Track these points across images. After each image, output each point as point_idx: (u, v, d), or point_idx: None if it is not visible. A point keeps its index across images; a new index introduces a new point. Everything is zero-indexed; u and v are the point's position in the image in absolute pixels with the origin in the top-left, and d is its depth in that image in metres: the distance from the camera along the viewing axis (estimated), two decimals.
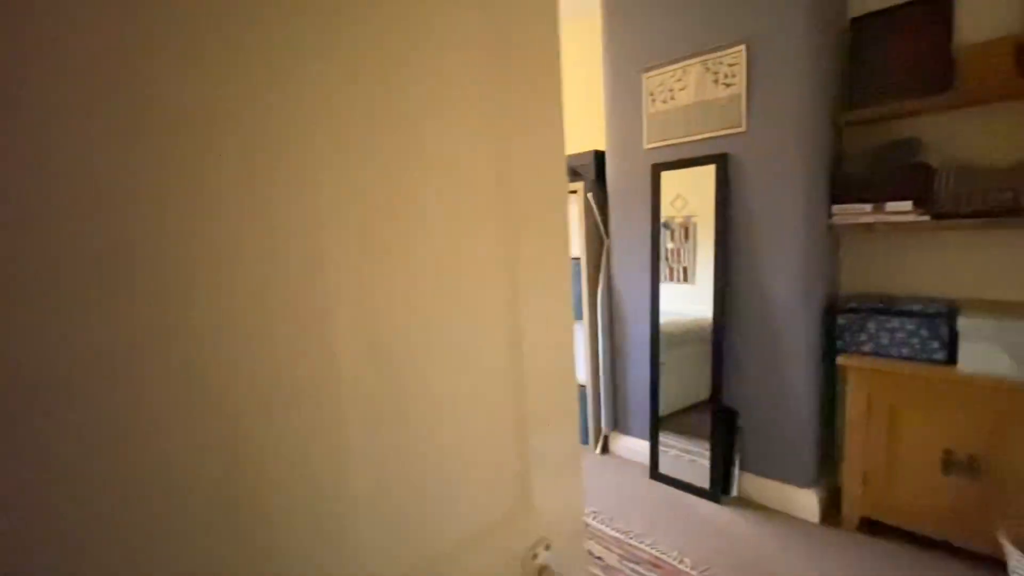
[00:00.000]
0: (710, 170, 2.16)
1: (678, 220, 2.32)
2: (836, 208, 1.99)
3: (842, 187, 1.98)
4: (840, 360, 1.96)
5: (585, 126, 3.04)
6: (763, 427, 2.21)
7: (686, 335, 2.41)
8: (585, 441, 2.91)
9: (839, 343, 1.99)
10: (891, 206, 1.84)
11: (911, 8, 1.84)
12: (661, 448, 2.51)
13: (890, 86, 1.87)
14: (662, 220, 2.35)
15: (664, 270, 2.40)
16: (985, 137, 1.82)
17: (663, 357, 2.58)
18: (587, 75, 2.91)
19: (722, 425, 2.28)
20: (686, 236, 2.31)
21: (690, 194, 2.24)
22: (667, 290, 2.39)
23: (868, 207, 1.89)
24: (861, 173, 1.95)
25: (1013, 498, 1.65)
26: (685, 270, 2.34)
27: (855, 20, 1.96)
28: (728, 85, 2.06)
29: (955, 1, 1.77)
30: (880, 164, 1.92)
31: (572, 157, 2.77)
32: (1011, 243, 1.82)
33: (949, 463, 1.76)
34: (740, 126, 2.05)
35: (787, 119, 1.93)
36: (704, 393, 2.32)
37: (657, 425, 2.52)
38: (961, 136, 1.87)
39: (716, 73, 2.08)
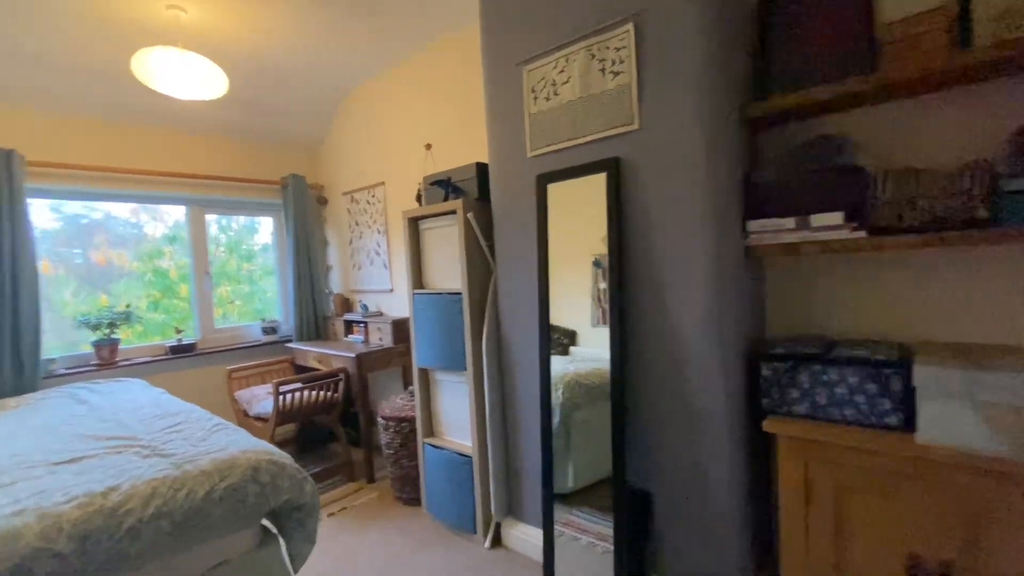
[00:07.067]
0: (601, 181, 1.71)
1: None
2: (753, 224, 1.55)
3: (758, 197, 1.56)
4: (767, 425, 1.46)
5: (478, 138, 2.62)
6: (680, 515, 1.66)
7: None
8: (473, 529, 2.26)
9: (765, 401, 1.50)
10: (817, 219, 1.41)
11: None
12: (569, 535, 1.90)
13: (804, 75, 1.49)
14: (594, 257, 1.87)
15: (597, 312, 1.90)
16: (922, 133, 1.45)
17: (583, 414, 2.02)
18: (477, 81, 2.52)
19: (629, 512, 1.72)
20: None
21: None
22: (601, 334, 1.89)
23: (790, 221, 1.46)
24: (780, 179, 1.53)
25: None
26: (609, 310, 1.86)
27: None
28: (616, 74, 1.65)
29: None
30: (801, 166, 1.52)
31: (452, 171, 2.31)
32: (970, 265, 1.41)
33: (917, 574, 1.25)
34: (632, 123, 1.63)
35: (685, 113, 1.52)
36: None
37: (552, 507, 1.92)
38: (894, 133, 1.49)
39: (603, 60, 1.68)
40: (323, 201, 4.19)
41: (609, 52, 1.66)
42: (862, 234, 1.36)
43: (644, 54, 1.58)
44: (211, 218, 3.78)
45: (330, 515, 2.60)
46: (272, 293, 4.17)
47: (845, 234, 1.38)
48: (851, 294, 1.62)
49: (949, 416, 1.20)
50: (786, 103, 1.50)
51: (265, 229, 4.17)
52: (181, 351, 3.36)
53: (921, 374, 1.22)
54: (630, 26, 1.59)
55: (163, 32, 2.53)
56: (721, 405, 1.53)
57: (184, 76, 2.38)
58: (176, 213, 3.62)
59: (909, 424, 1.27)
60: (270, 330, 3.91)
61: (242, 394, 3.24)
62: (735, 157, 1.59)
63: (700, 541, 1.61)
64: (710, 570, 1.60)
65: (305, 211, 3.92)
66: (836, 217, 1.38)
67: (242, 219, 4.02)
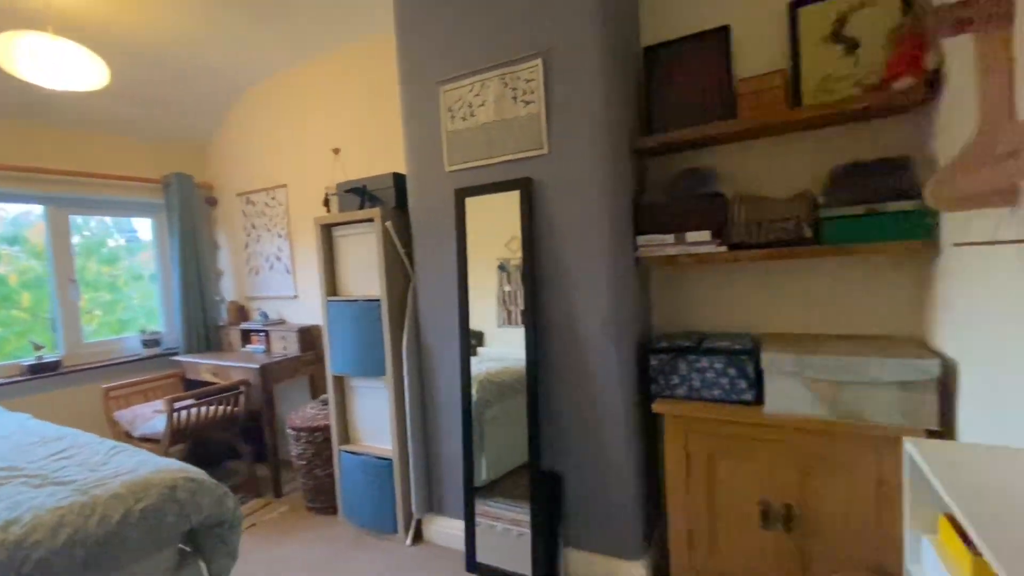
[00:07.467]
0: (512, 196, 1.89)
1: (514, 262, 2.01)
2: (641, 239, 1.83)
3: (645, 217, 1.85)
4: (655, 406, 1.74)
5: (388, 147, 2.67)
6: (586, 493, 1.89)
7: (521, 383, 2.04)
8: (393, 529, 2.33)
9: (653, 387, 1.78)
10: (692, 236, 1.72)
11: (694, 41, 1.83)
12: (486, 524, 2.04)
13: (680, 115, 1.81)
14: (499, 262, 2.01)
15: (502, 313, 2.05)
16: (768, 168, 1.83)
17: (494, 411, 2.16)
18: (386, 91, 2.58)
19: (543, 494, 1.92)
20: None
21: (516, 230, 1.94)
22: (507, 334, 2.03)
23: (670, 237, 1.76)
24: (662, 202, 1.83)
25: (829, 552, 1.51)
26: (523, 313, 2.02)
27: (647, 49, 1.91)
28: (528, 103, 1.84)
29: (731, 36, 1.79)
30: (678, 192, 1.83)
31: (367, 180, 2.35)
32: (801, 273, 1.82)
33: (767, 515, 1.59)
34: (542, 148, 1.83)
35: (586, 142, 1.75)
36: None
37: (473, 500, 2.06)
38: (748, 167, 1.86)
39: (515, 89, 1.86)
40: (212, 202, 3.90)
41: (520, 82, 1.84)
42: (724, 248, 1.69)
43: (551, 87, 1.79)
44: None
45: None
46: (140, 300, 3.77)
47: (712, 248, 1.70)
48: (717, 296, 1.97)
49: (786, 391, 1.54)
50: (667, 139, 1.80)
51: (124, 227, 3.73)
52: (43, 370, 2.95)
53: (766, 359, 1.56)
54: (539, 61, 1.79)
55: (31, 15, 2.24)
56: (618, 392, 1.78)
57: (54, 64, 2.14)
58: (15, 211, 3.13)
59: (759, 399, 1.61)
60: (151, 343, 3.56)
61: (123, 414, 2.94)
62: (627, 181, 1.86)
63: (605, 511, 1.85)
64: (611, 547, 1.85)
65: (192, 212, 3.63)
66: (705, 235, 1.70)
67: (100, 218, 3.58)
